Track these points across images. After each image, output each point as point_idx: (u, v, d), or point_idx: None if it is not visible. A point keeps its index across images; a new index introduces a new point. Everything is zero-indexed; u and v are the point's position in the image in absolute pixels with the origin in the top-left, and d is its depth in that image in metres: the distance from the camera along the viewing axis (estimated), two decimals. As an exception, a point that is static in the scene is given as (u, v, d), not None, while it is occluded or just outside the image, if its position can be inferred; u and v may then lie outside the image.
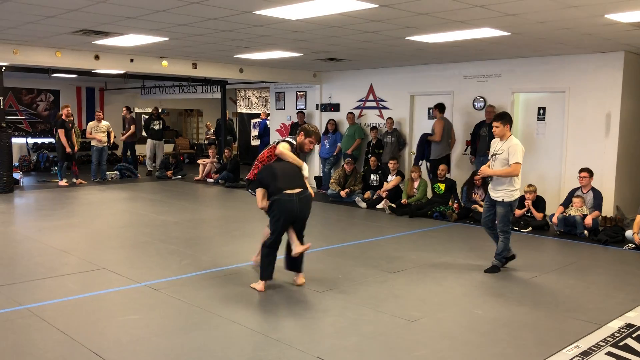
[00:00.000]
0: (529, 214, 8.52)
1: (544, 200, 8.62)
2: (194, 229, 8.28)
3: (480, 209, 8.97)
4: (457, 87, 10.62)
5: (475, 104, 10.31)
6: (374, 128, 11.62)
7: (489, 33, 7.13)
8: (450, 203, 9.57)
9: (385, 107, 11.91)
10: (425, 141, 10.38)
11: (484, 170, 6.07)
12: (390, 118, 11.41)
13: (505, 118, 5.93)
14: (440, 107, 10.35)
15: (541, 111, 9.68)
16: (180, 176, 14.51)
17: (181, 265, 6.12)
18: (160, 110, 16.15)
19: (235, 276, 5.78)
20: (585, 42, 7.77)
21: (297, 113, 13.13)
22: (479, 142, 9.93)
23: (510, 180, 5.87)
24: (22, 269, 5.91)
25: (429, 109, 11.17)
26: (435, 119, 10.38)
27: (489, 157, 6.14)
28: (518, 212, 8.59)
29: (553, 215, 8.12)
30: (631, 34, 7.07)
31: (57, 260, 6.21)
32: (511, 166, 5.79)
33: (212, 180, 13.74)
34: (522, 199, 8.66)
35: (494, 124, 5.94)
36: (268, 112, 16.39)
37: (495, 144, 6.02)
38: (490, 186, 6.10)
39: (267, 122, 16.41)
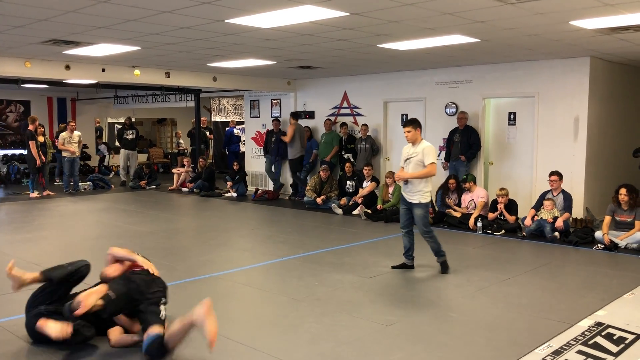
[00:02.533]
0: (502, 217, 8.66)
1: (516, 204, 8.77)
2: (169, 239, 8.21)
3: (455, 213, 9.13)
4: (430, 94, 10.75)
5: (447, 109, 10.45)
6: (343, 124, 11.71)
7: (459, 40, 7.26)
8: (424, 208, 9.65)
9: (359, 114, 12.00)
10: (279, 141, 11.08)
11: (402, 174, 6.15)
12: (364, 125, 11.50)
13: (416, 123, 6.14)
14: (294, 115, 12.28)
15: (512, 116, 9.86)
16: (154, 186, 14.38)
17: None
18: (133, 119, 16.01)
19: (211, 285, 5.75)
20: (553, 48, 7.96)
21: (273, 121, 13.14)
22: (453, 148, 10.08)
23: (425, 182, 6.06)
24: (-8, 283, 5.79)
25: (403, 115, 11.30)
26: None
27: (402, 163, 6.27)
28: (491, 215, 8.73)
29: (525, 218, 8.26)
30: (596, 40, 7.26)
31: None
32: (427, 167, 5.98)
33: (186, 189, 13.65)
34: (494, 202, 8.81)
35: (405, 129, 6.14)
36: (238, 120, 16.38)
37: (408, 149, 6.21)
38: (405, 190, 6.21)
39: (235, 131, 16.40)
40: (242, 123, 15.61)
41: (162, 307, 4.04)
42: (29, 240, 7.93)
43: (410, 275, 6.15)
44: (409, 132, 6.11)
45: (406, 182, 6.14)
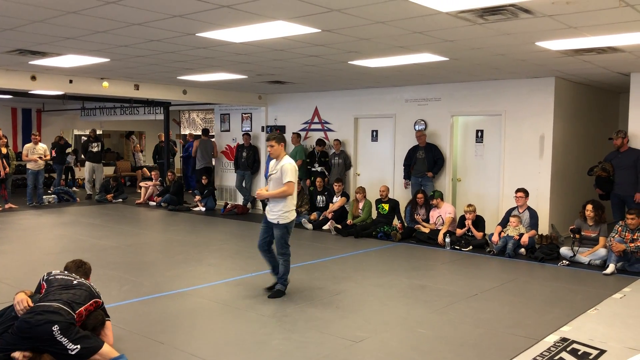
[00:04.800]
0: (470, 234, 8.76)
1: (483, 220, 8.89)
2: (136, 253, 8.06)
3: (423, 229, 9.21)
4: (399, 110, 10.87)
5: (416, 126, 10.57)
6: (320, 142, 11.70)
7: (428, 58, 7.36)
8: (394, 223, 9.72)
9: (330, 130, 12.04)
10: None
11: (261, 193, 5.93)
12: (337, 140, 11.54)
13: (279, 137, 5.84)
14: (203, 131, 14.20)
15: (479, 133, 10.03)
16: (121, 199, 14.14)
17: (121, 291, 5.94)
18: (99, 132, 15.75)
19: (177, 301, 5.65)
20: (519, 67, 8.14)
21: (243, 135, 13.09)
22: (415, 165, 10.21)
23: (284, 202, 5.74)
24: (-52, 300, 5.58)
25: (373, 131, 11.39)
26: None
27: (266, 178, 6.08)
28: (459, 231, 8.83)
29: (492, 234, 8.38)
30: (560, 61, 7.46)
31: (-13, 289, 5.91)
32: (285, 185, 5.68)
33: (154, 203, 13.45)
34: (462, 218, 8.92)
35: (268, 143, 5.86)
36: (195, 133, 16.22)
37: (272, 165, 5.92)
38: (267, 208, 5.93)
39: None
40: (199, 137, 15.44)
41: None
42: (-11, 254, 7.68)
43: (379, 292, 6.15)
44: (271, 146, 5.78)
45: (268, 200, 5.83)
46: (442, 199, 9.37)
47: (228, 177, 13.92)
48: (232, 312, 5.41)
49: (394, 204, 9.90)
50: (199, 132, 16.19)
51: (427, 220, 9.42)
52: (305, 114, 12.46)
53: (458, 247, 8.57)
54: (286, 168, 5.70)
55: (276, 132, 5.96)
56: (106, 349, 3.85)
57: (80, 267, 4.40)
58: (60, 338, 3.65)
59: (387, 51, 6.96)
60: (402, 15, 5.11)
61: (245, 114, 13.72)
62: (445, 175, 10.24)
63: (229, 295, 5.89)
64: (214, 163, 14.21)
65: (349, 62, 7.86)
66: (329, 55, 7.33)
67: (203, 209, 12.74)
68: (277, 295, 5.81)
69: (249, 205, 12.83)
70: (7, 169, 12.26)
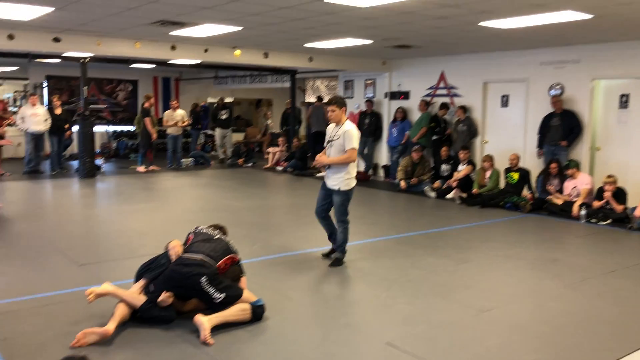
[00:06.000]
0: (608, 206, 8.13)
1: (625, 192, 8.20)
2: (265, 215, 8.46)
3: (556, 200, 8.70)
4: (533, 74, 10.24)
5: (552, 91, 9.90)
6: (444, 105, 11.41)
7: (569, 16, 6.82)
8: (523, 193, 9.29)
9: (456, 95, 11.67)
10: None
11: (321, 159, 5.66)
12: (462, 106, 11.17)
13: (340, 102, 5.58)
14: (317, 98, 14.24)
15: (624, 98, 9.19)
16: (250, 164, 14.82)
17: (253, 249, 6.28)
18: (229, 100, 16.50)
19: (305, 261, 5.87)
20: (676, 24, 7.30)
21: (366, 102, 13.09)
22: (548, 133, 9.59)
23: (346, 168, 5.56)
24: (104, 249, 6.26)
25: (503, 96, 10.86)
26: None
27: (325, 144, 5.78)
28: (596, 203, 8.23)
29: (635, 208, 7.72)
30: None
31: (136, 241, 6.52)
32: (347, 152, 5.48)
33: (281, 168, 13.95)
34: (600, 190, 8.30)
35: (329, 108, 5.56)
36: (308, 101, 16.39)
37: (331, 130, 5.68)
38: (326, 174, 5.74)
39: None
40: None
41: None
42: (136, 211, 8.45)
43: (507, 263, 5.95)
44: (332, 111, 5.54)
45: (328, 166, 5.68)
46: (578, 169, 8.77)
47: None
48: (355, 275, 5.52)
49: (524, 174, 9.44)
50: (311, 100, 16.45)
51: (560, 191, 8.89)
52: (431, 79, 12.15)
53: (594, 221, 8.01)
54: (350, 134, 5.49)
55: (338, 96, 5.78)
56: (246, 294, 4.19)
57: (220, 228, 4.73)
58: (208, 288, 4.00)
59: (523, 10, 6.55)
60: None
61: (368, 80, 13.68)
62: (583, 144, 9.54)
63: (353, 258, 6.00)
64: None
65: (479, 24, 7.51)
66: (458, 16, 7.05)
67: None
68: (337, 264, 5.72)
69: (370, 172, 12.89)
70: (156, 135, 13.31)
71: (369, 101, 13.01)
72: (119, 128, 17.38)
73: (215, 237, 4.45)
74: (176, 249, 4.29)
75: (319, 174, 13.12)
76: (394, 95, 12.94)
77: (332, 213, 5.89)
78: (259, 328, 4.06)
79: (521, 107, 10.51)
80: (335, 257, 5.79)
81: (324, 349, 3.80)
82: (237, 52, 10.68)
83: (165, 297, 4.02)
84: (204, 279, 4.00)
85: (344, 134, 5.50)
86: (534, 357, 3.67)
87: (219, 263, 4.21)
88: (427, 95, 12.20)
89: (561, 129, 9.47)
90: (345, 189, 5.62)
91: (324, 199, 5.82)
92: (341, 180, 5.60)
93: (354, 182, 5.70)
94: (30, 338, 3.82)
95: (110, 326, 3.78)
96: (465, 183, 9.99)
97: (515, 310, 4.55)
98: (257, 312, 4.14)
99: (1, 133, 12.00)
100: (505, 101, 10.87)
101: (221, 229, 4.71)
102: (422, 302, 4.68)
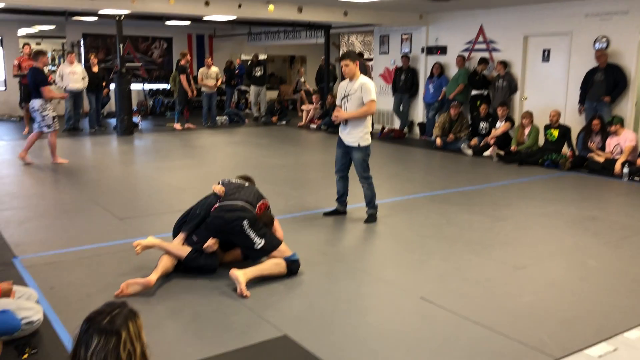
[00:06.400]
0: (653, 164, 7.89)
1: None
2: (299, 172, 8.50)
3: (597, 158, 8.47)
4: (577, 27, 9.82)
5: (597, 44, 9.51)
6: (483, 60, 11.12)
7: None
8: (563, 151, 9.07)
9: (495, 49, 11.32)
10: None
11: (341, 114, 5.52)
12: (502, 61, 10.85)
13: (354, 56, 5.46)
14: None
15: (674, 52, 8.77)
16: (284, 122, 14.81)
17: (287, 205, 6.34)
18: (262, 57, 16.41)
19: (339, 218, 5.90)
20: None
21: (402, 57, 12.83)
22: (591, 89, 9.25)
23: (365, 122, 5.49)
24: (144, 204, 6.41)
25: (544, 50, 10.49)
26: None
27: (339, 101, 5.65)
28: (640, 161, 7.99)
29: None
30: None
31: (174, 197, 6.66)
32: (366, 104, 5.38)
33: (314, 126, 13.90)
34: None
35: (344, 62, 5.45)
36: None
37: (345, 85, 5.57)
38: (342, 131, 5.63)
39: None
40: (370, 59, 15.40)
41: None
42: (174, 167, 8.59)
43: (545, 221, 5.86)
44: (346, 65, 5.42)
45: (345, 122, 5.56)
46: (622, 126, 8.49)
47: (385, 100, 13.85)
48: (389, 231, 5.53)
49: (565, 131, 9.18)
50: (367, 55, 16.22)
51: (602, 149, 8.64)
52: (469, 34, 11.80)
53: (638, 179, 7.79)
54: (368, 86, 5.41)
55: (351, 50, 5.68)
56: (283, 247, 4.27)
57: (247, 178, 4.79)
58: (249, 232, 4.12)
59: (569, -42, 6.24)
60: None
61: (405, 35, 13.37)
62: (628, 100, 9.19)
63: (387, 215, 6.00)
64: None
65: (522, -26, 7.21)
66: (500, -34, 6.77)
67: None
68: (372, 220, 5.70)
69: (405, 129, 12.75)
70: (194, 92, 13.38)
71: (405, 57, 12.75)
72: (154, 86, 17.53)
73: (246, 185, 4.56)
74: (221, 191, 4.39)
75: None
76: (430, 51, 12.63)
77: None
78: (294, 282, 4.14)
79: (563, 61, 10.14)
80: (369, 214, 5.78)
81: (358, 302, 3.85)
82: (271, 7, 10.54)
83: (211, 242, 4.16)
84: (245, 223, 4.12)
85: (362, 87, 5.42)
86: (570, 313, 3.65)
87: (256, 209, 4.32)
88: (465, 50, 11.88)
89: (605, 84, 9.12)
90: (365, 145, 5.57)
91: (343, 157, 5.77)
92: (360, 135, 5.54)
93: (370, 138, 5.67)
94: (76, 288, 3.98)
95: (153, 277, 3.91)
96: (503, 140, 9.80)
97: (552, 268, 4.50)
98: (293, 267, 4.21)
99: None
100: (546, 56, 10.50)
101: (247, 178, 4.77)
102: (456, 258, 4.68)
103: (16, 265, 4.38)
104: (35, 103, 8.31)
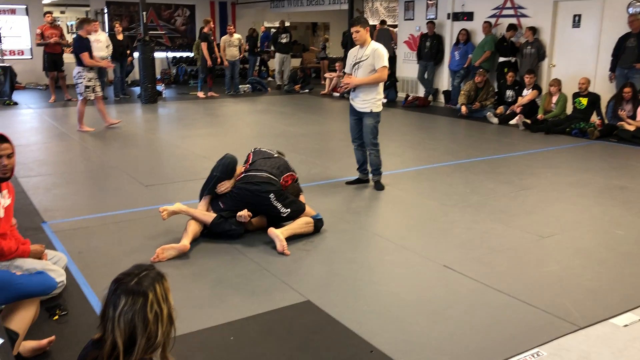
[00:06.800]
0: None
1: None
2: (322, 140, 8.47)
3: (628, 126, 8.27)
4: (610, -9, 9.49)
5: (630, 9, 9.18)
6: (512, 26, 10.84)
7: None
8: (592, 119, 8.87)
9: (524, 15, 11.01)
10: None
11: (352, 80, 5.48)
12: (531, 27, 10.56)
13: (364, 22, 5.40)
14: (381, 22, 13.81)
15: None
16: (307, 90, 14.71)
17: (310, 173, 6.34)
18: (287, 24, 16.23)
19: (362, 186, 5.89)
20: None
21: (427, 23, 12.57)
22: (624, 55, 8.96)
23: (377, 89, 5.46)
24: (168, 172, 6.47)
25: (575, 16, 10.17)
26: None
27: (349, 69, 5.57)
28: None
29: None
30: None
31: (199, 164, 6.69)
32: (378, 70, 5.35)
33: (337, 94, 13.79)
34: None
35: (354, 29, 5.38)
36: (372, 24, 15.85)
37: (356, 52, 5.52)
38: (354, 98, 5.61)
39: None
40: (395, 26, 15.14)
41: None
42: (197, 135, 8.63)
43: (571, 190, 5.77)
44: (357, 32, 5.37)
45: (355, 89, 5.53)
46: (654, 94, 8.25)
47: (409, 68, 13.64)
48: (413, 200, 5.50)
49: (594, 98, 8.96)
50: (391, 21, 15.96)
51: (633, 117, 8.42)
52: (497, -1, 11.50)
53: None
54: (380, 53, 5.35)
55: (361, 16, 5.61)
56: (307, 208, 4.47)
57: (280, 153, 4.82)
58: (276, 203, 4.27)
59: None
60: None
61: (430, 0, 13.08)
62: (661, 67, 8.90)
63: (410, 184, 5.97)
64: (395, 53, 13.97)
65: None
66: None
67: (384, 100, 12.76)
68: (381, 187, 5.70)
69: (430, 97, 12.58)
70: (218, 60, 13.32)
71: (431, 23, 12.49)
72: (177, 54, 17.51)
73: (275, 155, 4.62)
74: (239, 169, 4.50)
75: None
76: (456, 17, 12.35)
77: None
78: (317, 248, 4.16)
79: (595, 27, 9.83)
80: (376, 180, 5.80)
81: (381, 268, 3.87)
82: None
83: (245, 213, 4.23)
84: (272, 196, 4.24)
85: (374, 53, 5.38)
86: (596, 283, 3.61)
87: (281, 180, 4.38)
88: (492, 16, 11.58)
89: (638, 51, 8.83)
90: (377, 111, 5.57)
91: (357, 124, 5.77)
92: (372, 101, 5.53)
93: (381, 104, 5.67)
94: (103, 252, 4.06)
95: (187, 241, 4.00)
96: (530, 109, 9.61)
97: (578, 237, 4.45)
98: (318, 225, 4.41)
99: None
100: (577, 21, 10.18)
101: (279, 152, 4.80)
102: (480, 227, 4.64)
103: (45, 230, 4.48)
104: (75, 70, 8.45)
